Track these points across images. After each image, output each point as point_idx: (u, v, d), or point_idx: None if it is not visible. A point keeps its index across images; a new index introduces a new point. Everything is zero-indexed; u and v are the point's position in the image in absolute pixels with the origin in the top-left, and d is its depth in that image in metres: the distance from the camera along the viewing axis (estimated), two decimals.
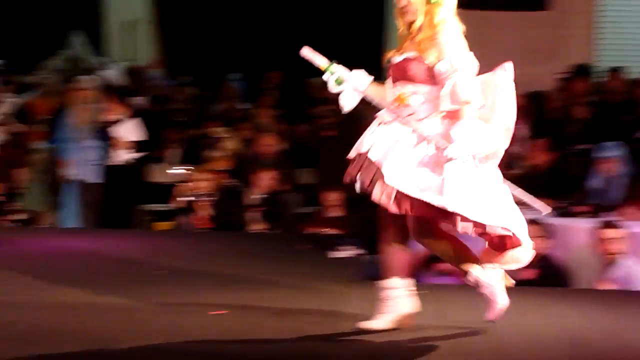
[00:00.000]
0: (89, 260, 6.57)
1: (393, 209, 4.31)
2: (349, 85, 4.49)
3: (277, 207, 8.54)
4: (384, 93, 4.50)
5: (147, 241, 7.82)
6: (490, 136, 4.28)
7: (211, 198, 8.49)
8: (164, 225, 9.07)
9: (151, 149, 9.57)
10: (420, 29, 4.37)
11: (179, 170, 8.65)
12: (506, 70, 4.39)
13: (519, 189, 4.47)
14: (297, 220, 8.80)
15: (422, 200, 4.23)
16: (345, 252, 6.99)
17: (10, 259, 6.53)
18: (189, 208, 8.52)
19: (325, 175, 9.22)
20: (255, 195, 8.59)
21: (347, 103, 4.52)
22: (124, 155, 9.04)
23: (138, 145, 9.12)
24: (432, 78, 4.33)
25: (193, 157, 9.27)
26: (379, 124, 4.44)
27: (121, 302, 5.21)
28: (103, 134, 8.96)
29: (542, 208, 4.52)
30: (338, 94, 4.51)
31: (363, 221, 8.75)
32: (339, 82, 4.48)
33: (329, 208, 8.41)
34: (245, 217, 8.49)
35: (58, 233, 8.38)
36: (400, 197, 4.29)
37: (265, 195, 8.53)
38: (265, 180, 8.54)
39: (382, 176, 4.30)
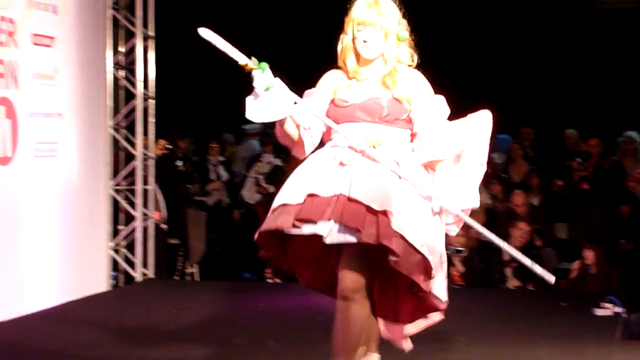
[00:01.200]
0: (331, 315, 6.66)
1: (392, 260, 3.63)
2: (282, 95, 3.70)
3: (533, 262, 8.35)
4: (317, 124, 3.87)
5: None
6: (474, 185, 3.93)
7: (464, 254, 8.43)
8: None
9: None
10: (386, 67, 3.88)
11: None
12: (484, 117, 4.00)
13: (526, 258, 4.13)
14: (554, 276, 8.57)
15: (422, 257, 3.67)
16: (606, 310, 6.73)
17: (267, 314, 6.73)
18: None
19: (582, 229, 8.97)
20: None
21: (267, 113, 3.71)
22: None
23: None
24: (405, 122, 3.86)
25: None
26: (339, 164, 3.77)
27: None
28: None
29: (547, 277, 4.10)
30: (256, 100, 3.70)
31: (622, 278, 8.45)
32: (269, 87, 3.68)
33: (587, 264, 8.15)
34: (499, 274, 8.37)
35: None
36: (406, 251, 3.64)
37: (520, 251, 8.36)
38: (520, 236, 8.39)
39: (389, 225, 3.61)
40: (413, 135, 3.89)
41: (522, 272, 8.31)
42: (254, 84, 3.67)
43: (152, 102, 8.31)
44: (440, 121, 3.87)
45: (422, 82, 3.91)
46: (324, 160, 3.81)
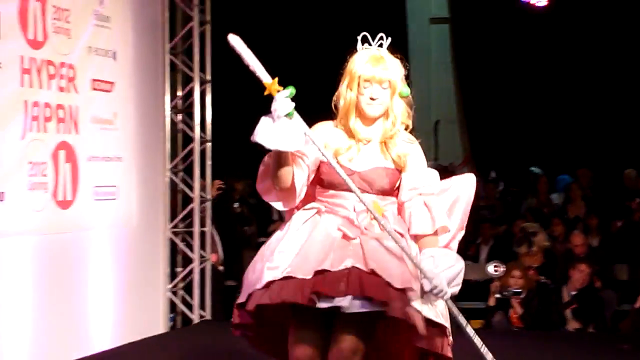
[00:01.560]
0: None
1: (416, 339, 3.57)
2: (299, 126, 3.45)
3: (593, 305, 8.24)
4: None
5: (461, 340, 7.79)
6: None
7: (523, 296, 8.33)
8: (477, 323, 9.00)
9: (464, 247, 9.60)
10: (389, 126, 3.67)
11: (494, 265, 8.57)
12: (469, 181, 3.90)
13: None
14: (614, 318, 8.45)
15: (441, 327, 3.64)
16: None
17: None
18: (501, 306, 8.41)
19: None
20: (569, 292, 8.34)
21: (281, 141, 3.43)
22: None
23: None
24: (395, 189, 3.69)
25: (504, 253, 9.19)
26: (342, 236, 3.59)
27: None
28: None
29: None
30: (273, 124, 3.43)
31: None
32: (291, 113, 3.43)
33: None
34: (559, 316, 8.25)
35: None
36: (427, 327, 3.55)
37: (579, 292, 8.26)
38: (580, 278, 8.27)
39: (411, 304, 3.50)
40: (400, 205, 3.72)
41: (584, 313, 8.19)
42: (276, 106, 3.41)
43: (209, 145, 8.39)
44: (430, 195, 3.71)
45: (418, 150, 3.75)
46: (323, 231, 3.58)
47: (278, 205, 3.71)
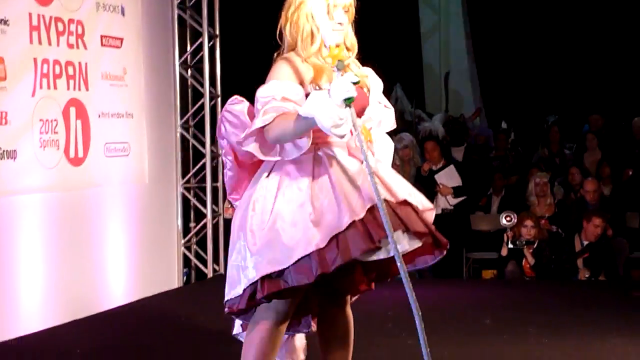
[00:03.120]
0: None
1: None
2: (351, 118, 3.34)
3: (605, 254, 8.24)
4: None
5: (473, 290, 7.84)
6: None
7: (535, 245, 8.34)
8: (489, 273, 9.03)
9: (475, 197, 9.60)
10: (348, 53, 3.54)
11: (503, 218, 8.57)
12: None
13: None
14: (626, 266, 8.46)
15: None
16: None
17: None
18: (514, 256, 8.42)
19: None
20: (581, 241, 8.34)
21: (341, 126, 3.30)
22: (448, 202, 9.10)
23: (461, 191, 9.14)
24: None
25: (516, 204, 9.18)
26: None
27: (456, 353, 5.23)
28: (426, 182, 9.06)
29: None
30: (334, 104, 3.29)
31: None
32: (350, 99, 3.30)
33: None
34: (571, 265, 8.26)
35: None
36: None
37: (592, 242, 8.25)
38: (593, 231, 8.25)
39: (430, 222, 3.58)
40: None
41: (596, 262, 8.20)
42: (339, 87, 3.27)
43: (219, 100, 8.37)
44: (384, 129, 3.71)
45: (376, 77, 3.68)
46: (337, 166, 3.46)
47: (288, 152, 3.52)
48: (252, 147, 3.47)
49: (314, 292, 3.61)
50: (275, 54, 3.57)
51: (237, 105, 3.62)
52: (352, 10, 3.55)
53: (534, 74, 13.54)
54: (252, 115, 3.54)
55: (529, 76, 13.57)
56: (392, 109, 3.78)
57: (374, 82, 3.67)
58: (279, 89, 3.43)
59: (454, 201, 9.13)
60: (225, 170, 3.74)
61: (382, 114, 3.70)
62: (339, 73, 3.37)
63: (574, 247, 8.32)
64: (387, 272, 3.65)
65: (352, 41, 3.58)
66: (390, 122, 3.75)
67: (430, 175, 9.18)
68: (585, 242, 8.28)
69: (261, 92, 3.46)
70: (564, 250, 8.35)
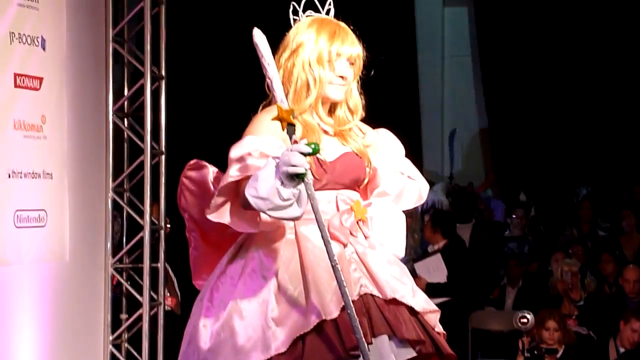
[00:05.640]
0: None
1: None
2: (307, 193, 3.39)
3: None
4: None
5: None
6: None
7: (560, 355, 8.34)
8: None
9: (485, 289, 9.62)
10: (349, 118, 3.72)
11: (517, 320, 8.58)
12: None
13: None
14: None
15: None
16: None
17: None
18: None
19: None
20: (620, 348, 8.36)
21: (296, 208, 3.37)
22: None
23: (443, 290, 9.10)
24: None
25: (537, 298, 9.21)
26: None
27: None
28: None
29: None
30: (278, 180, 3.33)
31: None
32: (303, 175, 3.34)
33: None
34: None
35: None
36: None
37: (631, 351, 8.28)
38: (631, 335, 8.26)
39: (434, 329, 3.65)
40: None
41: None
42: (287, 160, 3.30)
43: (163, 158, 8.35)
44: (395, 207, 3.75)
45: (394, 141, 3.81)
46: (311, 247, 3.50)
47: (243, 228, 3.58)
48: (224, 217, 3.49)
49: None
50: (261, 106, 3.62)
51: (198, 171, 3.68)
52: (360, 64, 3.65)
53: (562, 135, 13.63)
54: (219, 183, 3.56)
55: (555, 137, 13.66)
56: (421, 180, 3.83)
57: (390, 147, 3.77)
58: (255, 144, 3.47)
59: (436, 301, 9.11)
60: (190, 250, 3.79)
61: (400, 186, 3.75)
62: (291, 141, 3.39)
63: (609, 355, 8.33)
64: None
65: (356, 102, 3.69)
66: (414, 196, 3.80)
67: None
68: (622, 350, 8.29)
69: (234, 152, 3.49)
70: (597, 358, 8.36)
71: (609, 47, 13.15)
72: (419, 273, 9.00)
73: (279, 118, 3.40)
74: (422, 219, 9.76)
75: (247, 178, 3.42)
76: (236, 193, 3.47)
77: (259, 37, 3.42)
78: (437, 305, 3.81)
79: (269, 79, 3.43)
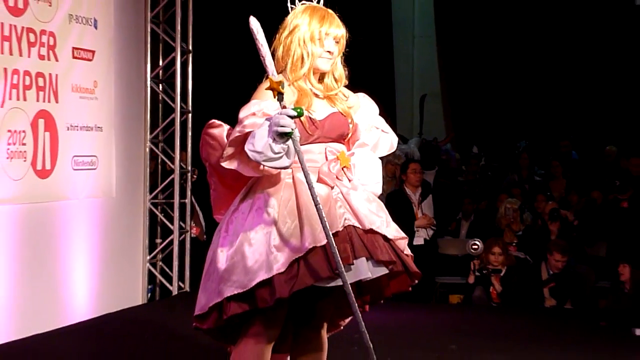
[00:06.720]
0: (383, 333, 6.66)
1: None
2: (294, 149, 3.45)
3: (571, 284, 8.29)
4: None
5: (440, 315, 7.85)
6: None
7: (502, 274, 8.38)
8: (456, 298, 9.05)
9: (444, 222, 9.63)
10: (335, 86, 3.72)
11: (469, 247, 8.62)
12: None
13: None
14: (592, 295, 8.51)
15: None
16: None
17: None
18: (481, 282, 8.46)
19: (619, 247, 8.86)
20: (550, 270, 8.38)
21: (285, 159, 3.44)
22: (427, 233, 9.09)
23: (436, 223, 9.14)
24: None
25: (485, 229, 9.23)
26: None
27: None
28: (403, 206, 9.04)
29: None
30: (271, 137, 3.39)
31: None
32: (291, 134, 3.40)
33: (624, 282, 8.06)
34: (537, 293, 8.30)
35: None
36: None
37: (558, 270, 8.30)
38: (555, 264, 8.30)
39: (403, 251, 3.67)
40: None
41: (561, 291, 8.25)
42: (277, 122, 3.36)
43: (190, 116, 8.36)
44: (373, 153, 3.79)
45: (370, 103, 3.84)
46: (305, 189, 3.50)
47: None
48: (234, 164, 3.55)
49: (290, 317, 3.69)
50: (264, 77, 3.64)
51: (216, 129, 3.71)
52: (343, 43, 3.71)
53: (505, 99, 13.63)
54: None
55: (500, 101, 13.67)
56: (392, 133, 3.89)
57: (368, 107, 3.82)
58: (259, 106, 3.54)
59: (432, 232, 9.15)
60: (210, 191, 3.85)
61: (376, 138, 3.81)
62: (280, 106, 3.46)
63: (541, 275, 8.35)
64: (381, 294, 3.78)
65: (341, 72, 3.74)
66: (386, 146, 3.86)
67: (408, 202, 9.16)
68: (551, 272, 8.31)
69: (242, 113, 3.56)
70: (531, 278, 8.39)
71: (539, 16, 13.11)
72: (425, 212, 9.05)
73: (270, 88, 3.49)
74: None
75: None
76: (243, 145, 3.51)
77: (255, 24, 3.50)
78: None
79: (262, 57, 3.51)
